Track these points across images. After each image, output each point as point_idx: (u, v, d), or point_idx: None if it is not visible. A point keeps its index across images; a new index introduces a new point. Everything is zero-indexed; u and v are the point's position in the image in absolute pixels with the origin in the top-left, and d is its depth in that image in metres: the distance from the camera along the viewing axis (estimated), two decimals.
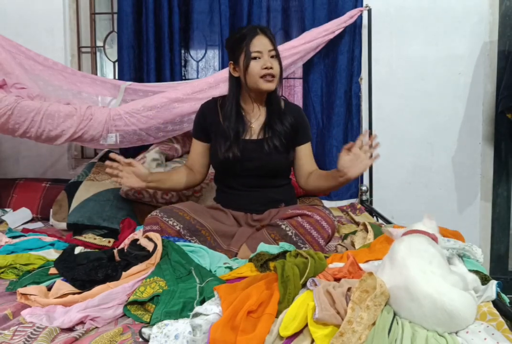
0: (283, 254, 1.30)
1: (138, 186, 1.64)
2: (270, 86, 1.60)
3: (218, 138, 1.66)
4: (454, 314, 0.90)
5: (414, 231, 1.09)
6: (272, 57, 1.60)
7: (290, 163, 1.73)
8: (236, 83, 1.67)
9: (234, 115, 1.66)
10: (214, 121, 1.70)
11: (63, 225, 1.97)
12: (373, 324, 0.90)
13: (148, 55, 2.35)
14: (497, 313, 0.96)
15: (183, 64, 2.47)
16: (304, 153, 1.72)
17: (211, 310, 0.98)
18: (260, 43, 1.58)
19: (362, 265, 1.17)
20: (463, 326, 0.92)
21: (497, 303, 1.01)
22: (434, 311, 0.90)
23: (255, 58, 1.58)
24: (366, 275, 0.96)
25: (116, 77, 2.56)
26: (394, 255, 1.01)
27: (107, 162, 1.62)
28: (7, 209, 2.22)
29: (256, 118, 1.70)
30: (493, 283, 1.06)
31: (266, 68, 1.57)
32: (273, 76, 1.59)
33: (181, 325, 0.96)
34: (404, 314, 0.94)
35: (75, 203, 1.99)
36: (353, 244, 1.60)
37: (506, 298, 1.09)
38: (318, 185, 1.68)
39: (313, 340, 0.89)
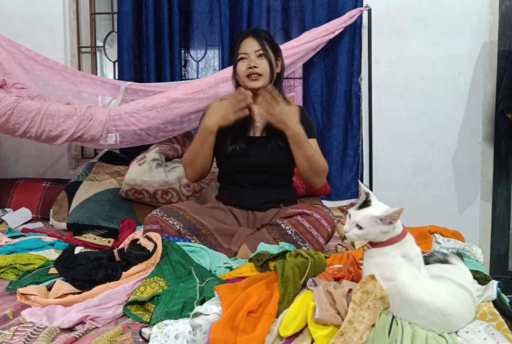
0: (283, 254, 1.30)
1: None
2: (255, 84, 1.67)
3: (225, 132, 1.68)
4: (449, 312, 0.91)
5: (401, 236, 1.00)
6: (259, 56, 1.66)
7: (293, 162, 1.73)
8: (237, 83, 1.75)
9: None
10: None
11: (63, 225, 1.97)
12: (372, 326, 0.90)
13: (148, 55, 2.35)
14: (497, 313, 0.96)
15: (183, 64, 2.47)
16: None
17: (211, 310, 0.98)
18: (247, 45, 1.67)
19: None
20: (461, 324, 0.93)
21: (497, 303, 1.01)
22: (429, 315, 0.91)
23: (242, 59, 1.67)
24: (367, 277, 0.96)
25: (116, 77, 2.56)
26: (386, 267, 0.97)
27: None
28: (7, 209, 2.22)
29: (260, 117, 1.73)
30: (494, 283, 1.06)
31: (250, 67, 1.65)
32: (258, 74, 1.65)
33: (181, 325, 0.96)
34: (400, 316, 0.95)
35: (75, 203, 1.99)
36: (353, 244, 1.60)
37: (506, 298, 1.09)
38: (298, 162, 1.64)
39: (313, 340, 0.89)
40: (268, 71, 1.67)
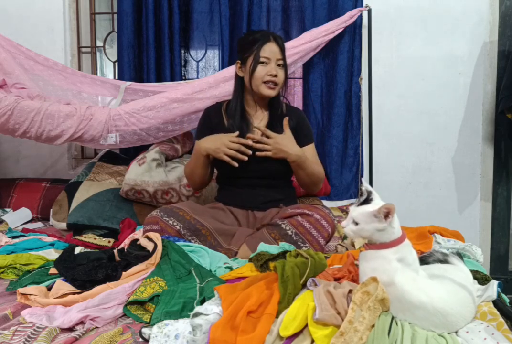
0: (283, 254, 1.31)
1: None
2: (270, 92, 1.66)
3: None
4: (449, 312, 0.91)
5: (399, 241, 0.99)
6: (279, 65, 1.65)
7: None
8: (241, 83, 1.72)
9: (239, 114, 1.70)
10: (219, 123, 1.73)
11: (63, 225, 1.97)
12: (372, 326, 0.90)
13: (148, 55, 2.35)
14: (497, 313, 0.96)
15: (183, 64, 2.47)
16: None
17: (211, 310, 0.98)
18: (270, 50, 1.64)
19: None
20: (461, 324, 0.93)
21: (497, 303, 1.01)
22: (429, 316, 0.91)
23: (262, 62, 1.64)
24: (369, 279, 0.95)
25: (116, 77, 2.56)
26: (382, 272, 0.96)
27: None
28: (7, 209, 2.22)
29: (258, 121, 1.73)
30: (494, 283, 1.06)
31: (270, 75, 1.63)
32: (275, 83, 1.65)
33: (181, 325, 0.96)
34: (400, 317, 0.95)
35: (75, 203, 1.99)
36: (353, 244, 1.60)
37: (506, 298, 1.10)
38: (298, 178, 1.70)
39: (313, 340, 0.89)
40: (283, 82, 1.67)
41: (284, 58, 1.67)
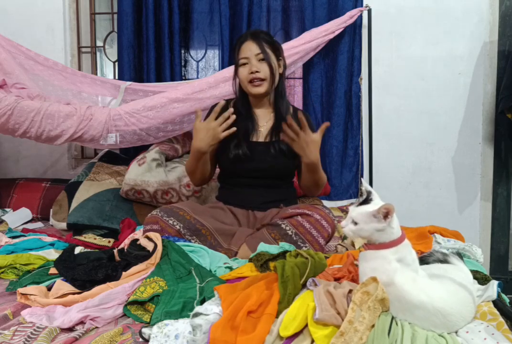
0: (283, 254, 1.31)
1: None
2: (257, 90, 1.65)
3: (228, 137, 1.67)
4: (449, 312, 0.91)
5: (399, 241, 0.99)
6: (260, 60, 1.64)
7: (295, 167, 1.75)
8: (240, 87, 1.73)
9: (244, 114, 1.70)
10: None
11: (63, 225, 1.97)
12: (372, 326, 0.90)
13: (148, 55, 2.35)
14: (497, 313, 0.96)
15: (183, 64, 2.47)
16: None
17: (211, 310, 0.98)
18: (247, 49, 1.64)
19: None
20: (461, 324, 0.93)
21: (497, 303, 1.01)
22: (429, 316, 0.91)
23: (243, 64, 1.64)
24: (369, 279, 0.95)
25: (116, 77, 2.56)
26: (382, 272, 0.96)
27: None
28: (7, 209, 2.22)
29: (265, 122, 1.73)
30: (494, 283, 1.06)
31: (252, 72, 1.62)
32: (261, 79, 1.63)
33: (181, 325, 0.96)
34: (400, 317, 0.95)
35: (75, 203, 1.99)
36: (353, 244, 1.60)
37: (506, 298, 1.10)
38: (304, 179, 1.68)
39: (313, 340, 0.89)
40: (270, 75, 1.65)
41: (264, 52, 1.63)
